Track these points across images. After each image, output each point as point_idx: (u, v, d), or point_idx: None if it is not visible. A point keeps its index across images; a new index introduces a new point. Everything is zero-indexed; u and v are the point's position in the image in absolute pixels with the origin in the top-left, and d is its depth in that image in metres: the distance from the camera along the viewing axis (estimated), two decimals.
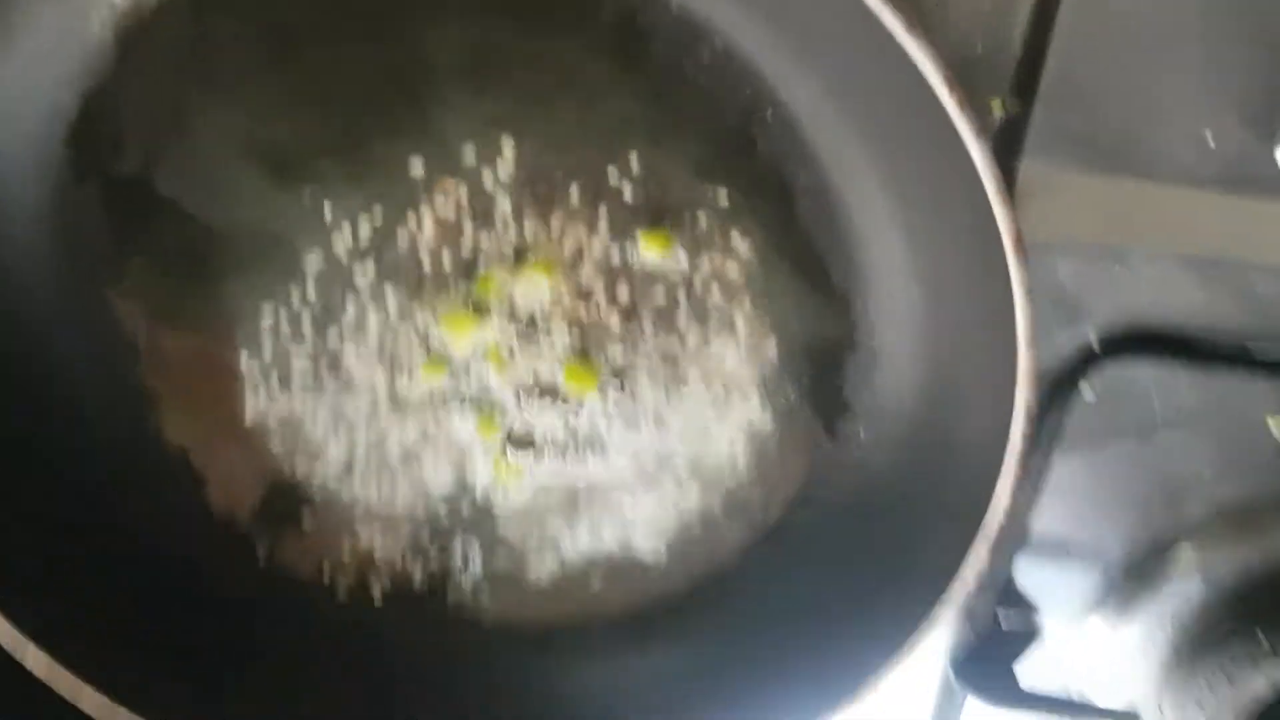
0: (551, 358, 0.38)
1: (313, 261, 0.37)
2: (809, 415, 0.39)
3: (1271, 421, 0.43)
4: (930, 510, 0.36)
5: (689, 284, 0.37)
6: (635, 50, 0.34)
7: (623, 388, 0.39)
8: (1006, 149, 0.38)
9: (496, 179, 0.36)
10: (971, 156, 0.28)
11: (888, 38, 0.27)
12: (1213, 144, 0.37)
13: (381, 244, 0.37)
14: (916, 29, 0.27)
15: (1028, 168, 0.38)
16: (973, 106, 0.28)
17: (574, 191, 0.36)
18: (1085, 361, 0.41)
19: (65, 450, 0.38)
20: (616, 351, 0.38)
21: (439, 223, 0.37)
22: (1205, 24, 0.36)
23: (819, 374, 0.38)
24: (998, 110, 0.37)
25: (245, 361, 0.38)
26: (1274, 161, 0.38)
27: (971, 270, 0.31)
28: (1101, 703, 0.46)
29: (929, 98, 0.28)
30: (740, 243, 0.37)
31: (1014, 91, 0.37)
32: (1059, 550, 0.46)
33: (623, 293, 0.38)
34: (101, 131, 0.35)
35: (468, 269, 0.37)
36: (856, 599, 0.38)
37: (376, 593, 0.41)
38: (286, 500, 0.40)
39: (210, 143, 0.36)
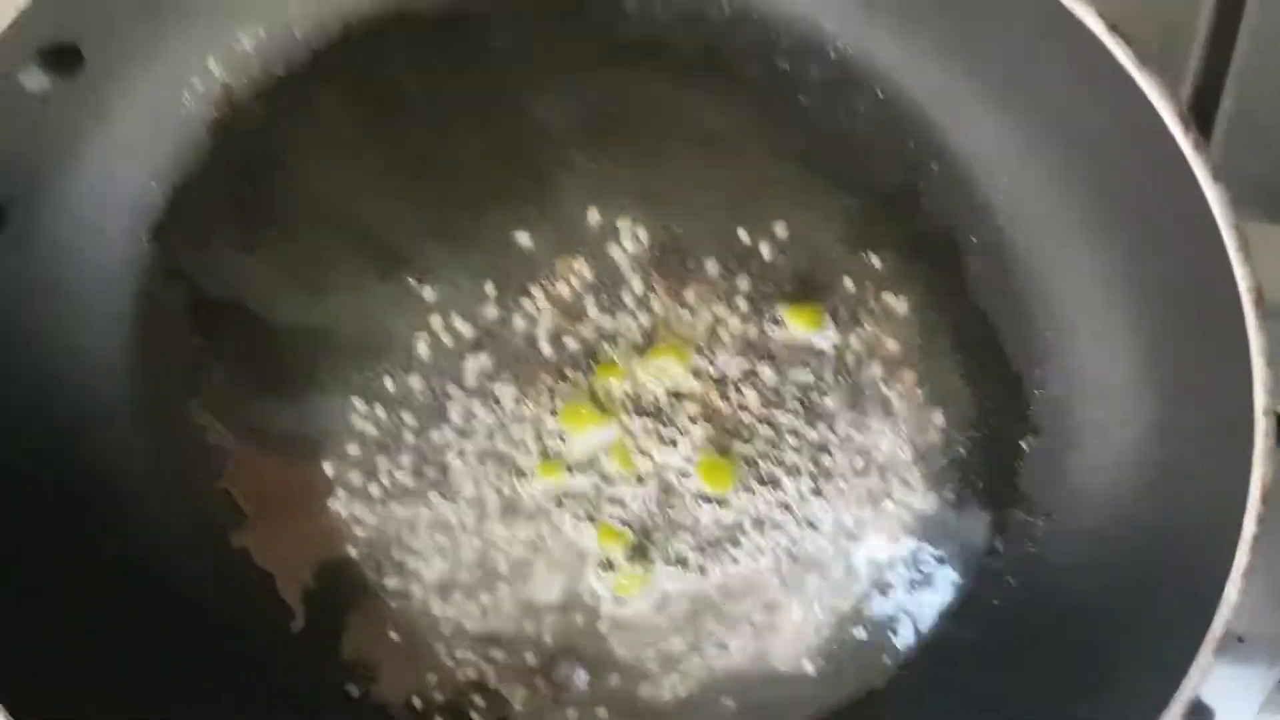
0: (684, 453, 0.34)
1: (416, 355, 0.34)
2: (976, 509, 0.34)
3: None
4: (1129, 619, 0.31)
5: (840, 362, 0.33)
6: (778, 100, 0.30)
7: (764, 483, 0.34)
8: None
9: (622, 251, 0.33)
10: (1208, 204, 0.24)
11: (1110, 71, 0.23)
12: None
13: (494, 331, 0.33)
14: (1150, 62, 0.23)
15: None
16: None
17: (709, 264, 0.33)
18: None
19: (148, 573, 0.34)
20: (757, 442, 0.34)
21: (558, 304, 0.33)
22: None
23: (990, 461, 0.34)
24: None
25: (335, 471, 0.35)
26: None
27: (1192, 334, 0.27)
28: None
29: (1154, 140, 0.24)
30: (899, 314, 0.33)
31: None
32: (1237, 648, 0.41)
33: (765, 376, 0.33)
34: (188, 226, 0.32)
35: (590, 355, 0.33)
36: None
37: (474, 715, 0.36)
38: (376, 624, 0.36)
39: (304, 232, 0.32)
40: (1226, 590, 0.28)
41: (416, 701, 0.37)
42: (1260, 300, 0.26)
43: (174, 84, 0.30)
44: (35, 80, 0.27)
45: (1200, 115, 0.34)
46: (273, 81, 0.31)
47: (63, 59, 0.28)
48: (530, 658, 0.37)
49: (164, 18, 0.29)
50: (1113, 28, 0.24)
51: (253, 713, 0.35)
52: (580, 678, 0.37)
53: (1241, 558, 0.28)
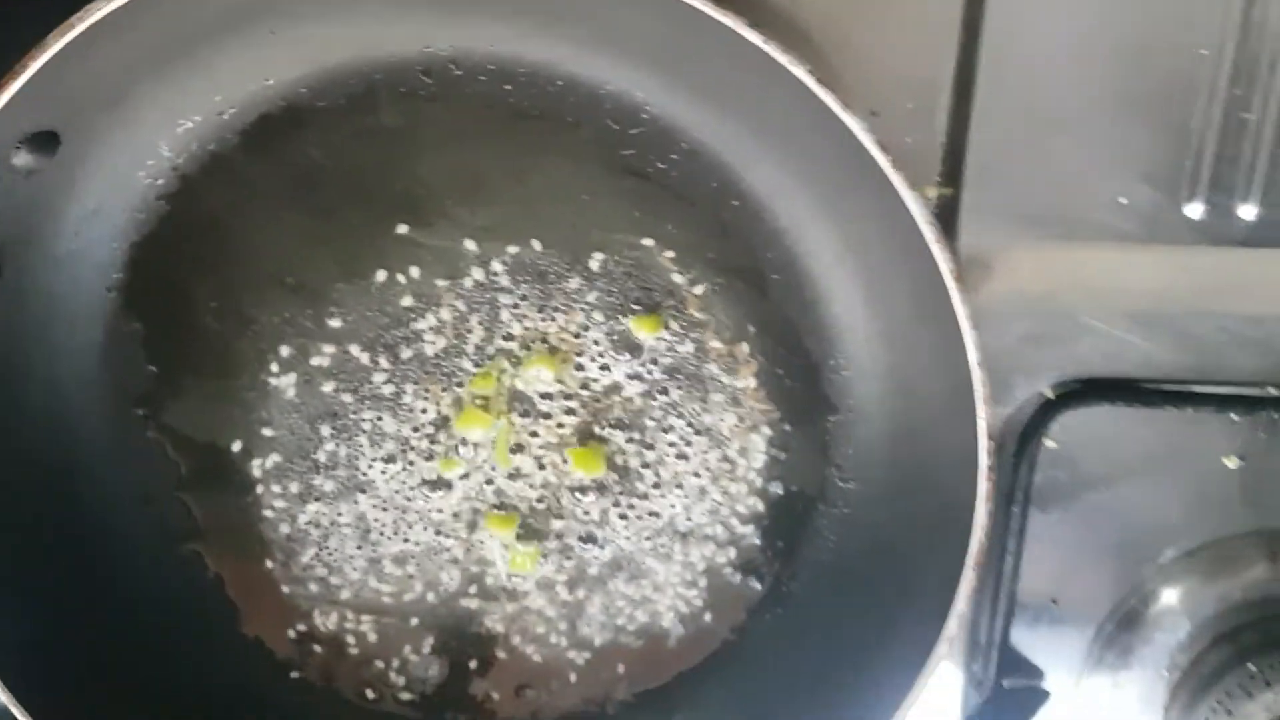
0: (559, 444, 0.42)
1: (327, 374, 0.41)
2: (802, 476, 0.42)
3: (1227, 461, 0.46)
4: (918, 551, 0.39)
5: (682, 361, 0.41)
6: (612, 157, 0.39)
7: (629, 466, 0.42)
8: (946, 229, 0.43)
9: (494, 282, 0.40)
10: (914, 216, 0.32)
11: (843, 130, 0.32)
12: (1125, 201, 0.42)
13: (396, 351, 0.41)
14: (867, 120, 0.32)
15: (965, 244, 0.43)
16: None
17: (568, 285, 0.40)
18: (1044, 412, 0.44)
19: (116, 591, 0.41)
20: (621, 430, 0.42)
21: (445, 325, 0.41)
22: (1108, 106, 0.41)
23: (806, 436, 0.42)
24: (931, 195, 0.42)
25: (262, 475, 0.41)
26: (1184, 217, 0.42)
27: (923, 316, 0.35)
28: None
29: (877, 176, 0.33)
30: (723, 319, 0.41)
31: (944, 178, 0.42)
32: (1052, 611, 0.48)
33: (622, 374, 0.41)
34: (143, 277, 0.39)
35: (476, 365, 0.41)
36: (863, 649, 0.40)
37: (401, 694, 0.43)
38: (312, 618, 0.42)
39: (239, 277, 0.40)
40: (977, 511, 0.36)
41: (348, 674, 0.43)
42: (961, 279, 0.34)
43: (132, 161, 0.38)
44: (21, 159, 0.35)
45: (954, 162, 0.43)
46: (209, 157, 0.39)
47: (43, 142, 0.35)
48: (447, 636, 0.43)
49: (123, 109, 0.37)
50: (871, 113, 0.33)
51: (205, 698, 0.42)
52: (494, 651, 0.43)
53: (982, 484, 0.36)
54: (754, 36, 0.31)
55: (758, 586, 0.43)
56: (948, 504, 0.37)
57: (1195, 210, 0.42)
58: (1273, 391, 0.45)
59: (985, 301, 0.43)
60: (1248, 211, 0.42)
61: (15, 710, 0.35)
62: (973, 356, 0.34)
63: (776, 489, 0.42)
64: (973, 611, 0.48)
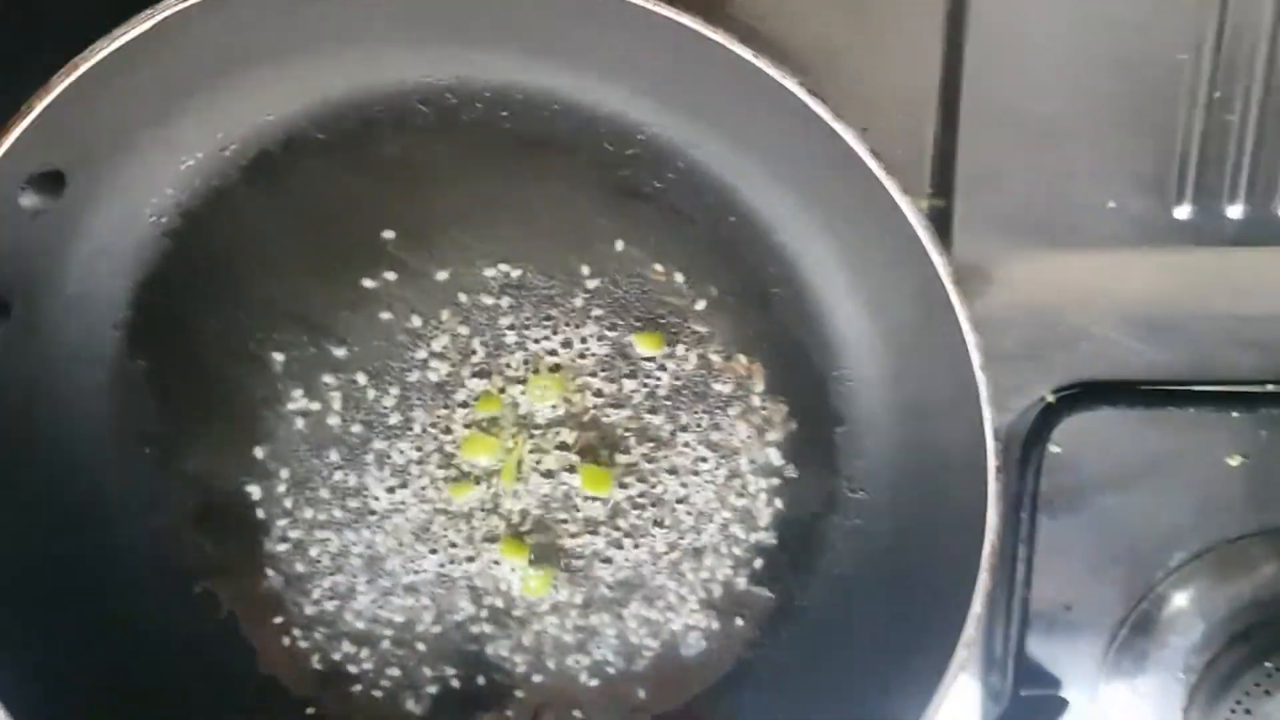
0: (567, 465, 0.42)
1: (332, 406, 0.41)
2: (812, 488, 0.42)
3: (1230, 460, 0.46)
4: (931, 558, 0.39)
5: (688, 378, 0.42)
6: (609, 179, 0.40)
7: (640, 484, 0.42)
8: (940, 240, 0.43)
9: (497, 305, 0.41)
10: (910, 222, 0.33)
11: (836, 141, 0.33)
12: (1114, 206, 0.43)
13: (402, 380, 0.41)
14: (863, 133, 0.33)
15: (959, 255, 0.43)
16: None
17: (572, 305, 0.41)
18: (1046, 417, 0.45)
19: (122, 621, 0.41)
20: (628, 448, 0.42)
21: (449, 350, 0.41)
22: (1093, 113, 0.42)
23: (815, 448, 0.42)
24: (924, 207, 0.43)
25: (266, 504, 0.42)
26: (1172, 218, 0.43)
27: (924, 322, 0.36)
28: None
29: (871, 185, 0.33)
30: (727, 334, 0.41)
31: (935, 190, 0.43)
32: (1066, 618, 0.48)
33: (625, 392, 0.41)
34: (149, 315, 0.40)
35: (481, 389, 0.41)
36: (881, 660, 0.40)
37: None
38: (326, 653, 0.42)
39: (243, 309, 0.40)
40: (988, 513, 0.36)
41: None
42: (958, 283, 0.34)
43: (137, 199, 0.38)
44: (28, 199, 0.35)
45: (945, 172, 0.43)
46: (213, 193, 0.39)
47: (50, 182, 0.36)
48: (460, 662, 0.43)
49: (127, 148, 0.37)
50: (862, 129, 0.34)
51: None
52: (510, 675, 0.43)
53: (992, 485, 0.36)
54: (745, 52, 0.32)
55: (772, 601, 0.43)
56: (958, 509, 0.37)
57: (1184, 212, 0.43)
58: (1271, 388, 0.45)
59: (982, 311, 0.42)
60: (1235, 211, 0.43)
61: None
62: (975, 359, 0.35)
63: (786, 502, 0.43)
64: (987, 622, 0.48)
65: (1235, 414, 0.45)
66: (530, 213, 0.40)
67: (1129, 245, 0.43)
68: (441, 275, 0.40)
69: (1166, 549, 0.48)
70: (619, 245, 0.40)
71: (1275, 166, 0.42)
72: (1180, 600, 0.48)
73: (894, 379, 0.40)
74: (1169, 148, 0.42)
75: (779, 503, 0.42)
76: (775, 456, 0.42)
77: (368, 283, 0.40)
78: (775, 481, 0.42)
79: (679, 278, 0.41)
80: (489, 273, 0.41)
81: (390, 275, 0.40)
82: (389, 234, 0.40)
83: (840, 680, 0.41)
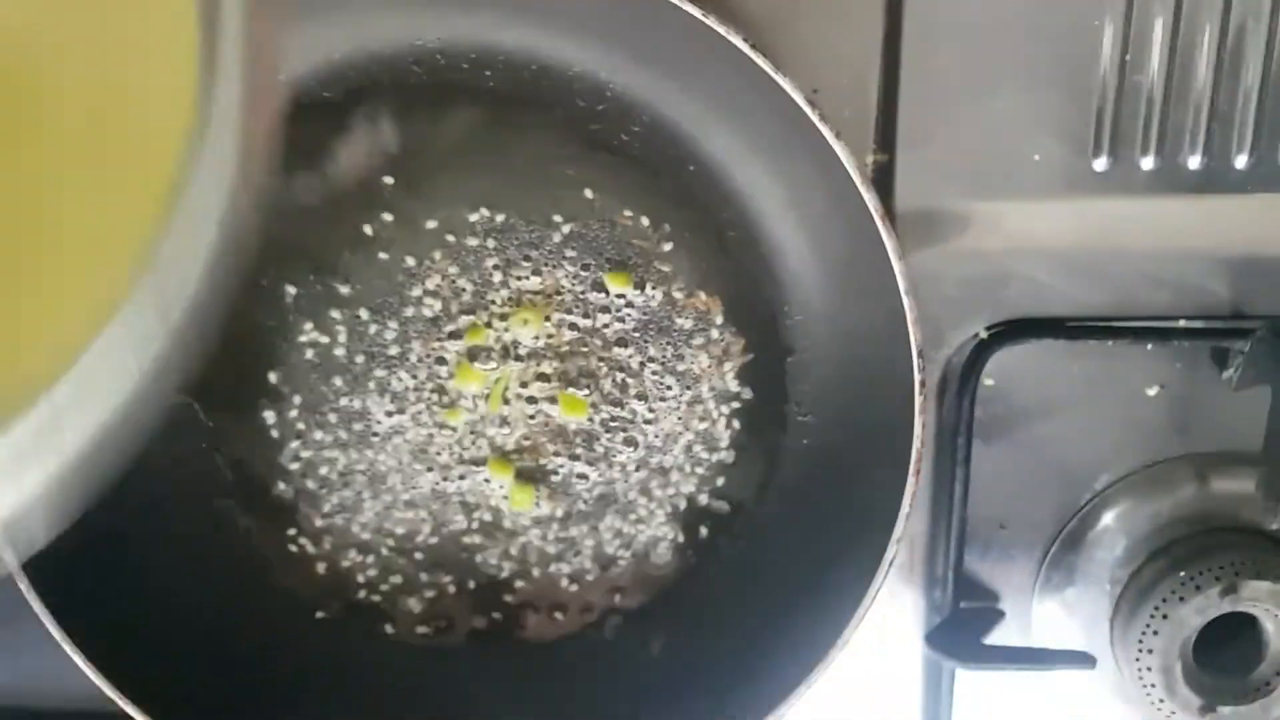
0: (548, 392, 0.47)
1: (342, 332, 0.46)
2: (766, 413, 0.47)
3: (1148, 390, 0.51)
4: (870, 471, 0.44)
5: (654, 312, 0.46)
6: (582, 132, 0.44)
7: (612, 407, 0.47)
8: (884, 192, 0.48)
9: (483, 247, 0.46)
10: (844, 165, 0.38)
11: (778, 93, 0.37)
12: (1038, 159, 0.48)
13: (399, 315, 0.46)
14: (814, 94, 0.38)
15: (902, 203, 0.48)
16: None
17: (549, 248, 0.46)
18: (979, 351, 0.49)
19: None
20: (601, 376, 0.47)
21: (442, 288, 0.46)
22: (1019, 74, 0.47)
23: (768, 376, 0.47)
24: (869, 162, 0.48)
25: (285, 429, 0.47)
26: (1092, 170, 0.48)
27: (859, 257, 0.41)
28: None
29: (813, 135, 0.38)
30: (688, 273, 0.46)
31: (879, 146, 0.48)
32: (1002, 536, 0.53)
33: (598, 325, 0.46)
34: None
35: (470, 323, 0.46)
36: (828, 559, 0.45)
37: (418, 627, 0.48)
38: (335, 563, 0.47)
39: (263, 250, 0.45)
40: (915, 422, 0.41)
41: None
42: (885, 216, 0.39)
43: None
44: None
45: (888, 129, 0.48)
46: None
47: None
48: (459, 573, 0.48)
49: None
50: (813, 90, 0.38)
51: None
52: (500, 582, 0.48)
53: (917, 398, 0.41)
54: (695, 11, 0.37)
55: (730, 513, 0.48)
56: (893, 427, 0.42)
57: (1101, 164, 0.48)
58: (1184, 324, 0.50)
59: (922, 258, 0.48)
60: (1148, 163, 0.48)
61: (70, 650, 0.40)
62: (902, 284, 0.39)
63: (743, 424, 0.47)
64: (929, 540, 0.53)
65: (1150, 346, 0.50)
66: (510, 163, 0.45)
67: (1053, 194, 0.48)
68: (431, 221, 0.45)
69: (1093, 472, 0.52)
70: (588, 193, 0.45)
71: (1182, 121, 0.47)
72: (1106, 519, 0.53)
73: (837, 312, 0.45)
74: (1087, 105, 0.47)
75: (736, 424, 0.47)
76: (733, 384, 0.47)
77: (367, 226, 0.45)
78: (734, 405, 0.47)
79: (644, 221, 0.46)
80: (473, 217, 0.45)
81: (387, 217, 0.45)
82: (388, 180, 0.45)
83: (789, 579, 0.46)
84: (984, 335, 0.49)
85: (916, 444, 0.41)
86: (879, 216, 0.39)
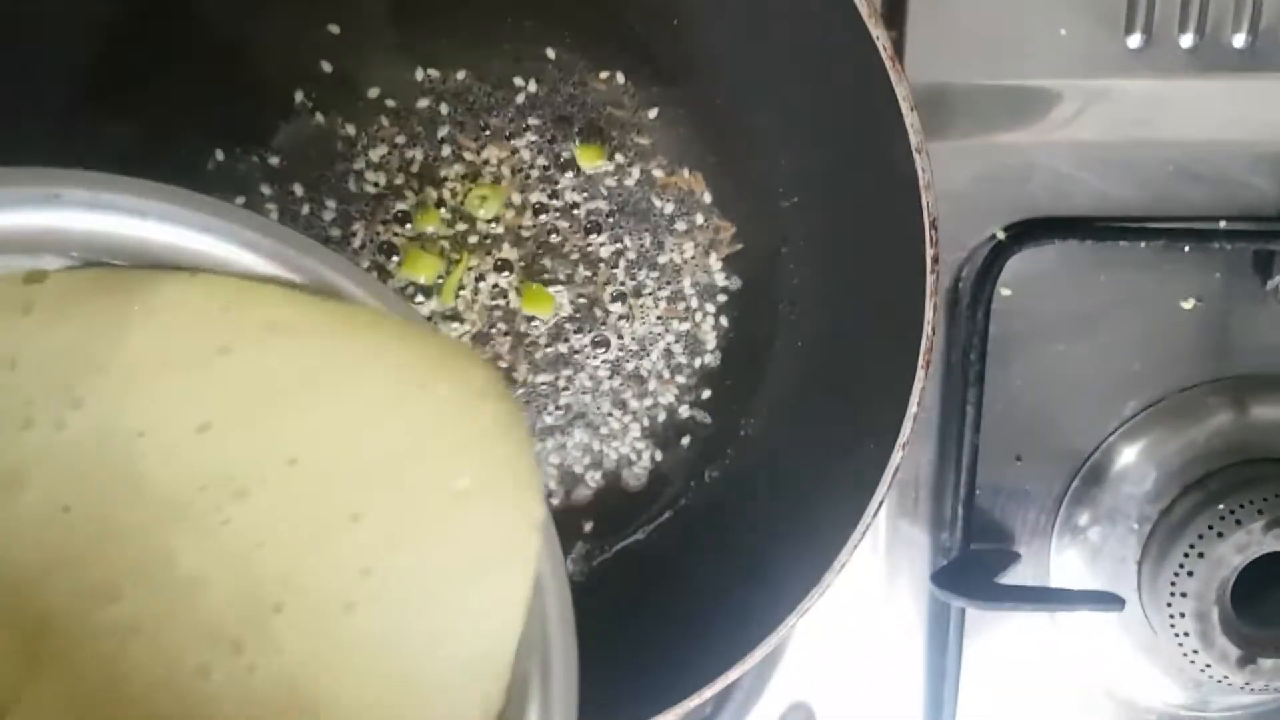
0: (507, 283, 0.41)
1: (271, 210, 0.41)
2: (755, 311, 0.42)
3: (1185, 304, 0.46)
4: (868, 375, 0.38)
5: (630, 192, 0.41)
6: None
7: (580, 304, 0.41)
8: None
9: (434, 112, 0.40)
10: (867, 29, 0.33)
11: None
12: (1065, 33, 0.42)
13: (337, 187, 0.41)
14: None
15: (912, 85, 0.43)
16: None
17: (508, 114, 0.40)
18: (996, 254, 0.44)
19: None
20: (570, 266, 0.41)
21: (388, 160, 0.40)
22: None
23: (758, 268, 0.42)
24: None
25: None
26: (1124, 47, 0.43)
27: (864, 113, 0.35)
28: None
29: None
30: (670, 148, 0.41)
31: (888, 22, 0.43)
32: (1017, 469, 0.48)
33: (566, 207, 0.41)
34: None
35: (419, 201, 0.41)
36: (821, 478, 0.39)
37: None
38: None
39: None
40: (926, 305, 0.35)
41: None
42: (897, 63, 0.34)
43: None
44: None
45: (898, 4, 0.43)
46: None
47: None
48: None
49: None
50: None
51: None
52: None
53: (929, 276, 0.35)
54: None
55: (713, 427, 0.42)
56: (899, 322, 0.36)
57: (1136, 41, 0.43)
58: (1224, 225, 0.45)
59: (932, 149, 0.42)
60: (1187, 40, 0.43)
61: None
62: (913, 139, 0.34)
63: (730, 326, 0.42)
64: (937, 475, 0.47)
65: (1187, 250, 0.45)
66: (455, 16, 0.39)
67: (1081, 75, 0.43)
68: (375, 79, 0.40)
69: (1119, 398, 0.47)
70: (556, 51, 0.40)
71: None
72: (1133, 451, 0.48)
73: (838, 191, 0.39)
74: None
75: (724, 321, 0.42)
76: (720, 277, 0.42)
77: (298, 89, 0.39)
78: (720, 301, 0.42)
79: (620, 81, 0.40)
80: (422, 78, 0.40)
81: (322, 80, 0.39)
82: (321, 38, 0.39)
83: (780, 500, 0.40)
84: (1001, 236, 0.44)
85: (927, 329, 0.36)
86: (887, 56, 0.33)
